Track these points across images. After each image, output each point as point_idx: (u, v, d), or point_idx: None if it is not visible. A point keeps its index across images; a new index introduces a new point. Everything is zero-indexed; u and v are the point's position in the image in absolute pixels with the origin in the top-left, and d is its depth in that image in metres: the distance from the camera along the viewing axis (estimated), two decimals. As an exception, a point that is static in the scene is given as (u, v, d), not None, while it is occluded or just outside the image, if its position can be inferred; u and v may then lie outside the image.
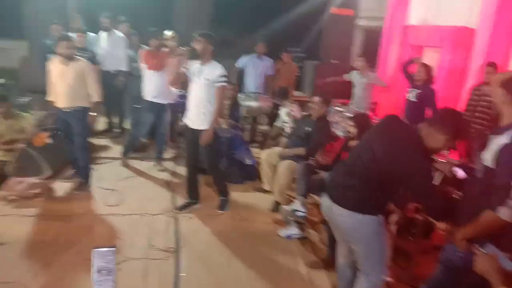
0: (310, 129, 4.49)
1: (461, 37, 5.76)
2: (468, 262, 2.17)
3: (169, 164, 5.39)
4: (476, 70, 5.39)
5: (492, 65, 4.80)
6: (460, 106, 5.33)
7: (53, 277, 2.99)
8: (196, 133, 3.91)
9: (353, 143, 3.66)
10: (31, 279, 2.93)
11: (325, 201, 2.47)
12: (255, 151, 5.60)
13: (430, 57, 6.68)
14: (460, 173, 2.58)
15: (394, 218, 3.23)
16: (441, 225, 3.43)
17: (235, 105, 5.62)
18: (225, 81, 3.81)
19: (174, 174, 5.12)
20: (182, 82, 4.24)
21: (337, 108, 5.83)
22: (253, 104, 6.30)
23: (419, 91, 5.02)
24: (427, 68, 5.07)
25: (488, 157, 2.11)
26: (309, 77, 8.23)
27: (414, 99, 5.07)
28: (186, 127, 4.04)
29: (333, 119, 5.74)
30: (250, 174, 5.09)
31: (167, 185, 4.80)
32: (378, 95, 7.31)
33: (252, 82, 6.53)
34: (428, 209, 2.54)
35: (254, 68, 6.51)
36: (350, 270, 2.64)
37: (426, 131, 2.23)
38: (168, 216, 4.05)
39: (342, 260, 2.69)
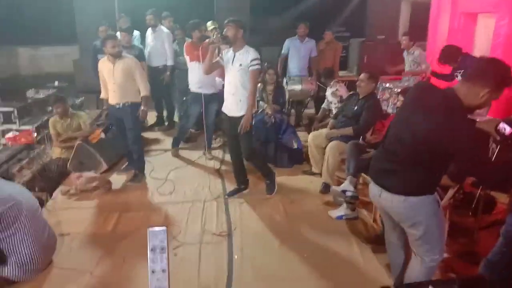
0: (357, 107, 4.38)
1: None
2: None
3: (217, 153, 5.49)
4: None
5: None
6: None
7: (115, 263, 3.16)
8: (234, 120, 3.93)
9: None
10: (94, 266, 3.11)
11: (372, 188, 2.37)
12: (301, 135, 5.56)
13: (485, 25, 6.22)
14: (508, 129, 2.32)
15: (450, 193, 3.08)
16: (502, 198, 3.24)
17: (278, 90, 5.59)
18: (258, 64, 3.77)
19: (222, 162, 5.21)
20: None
21: (386, 85, 5.63)
22: (297, 87, 6.23)
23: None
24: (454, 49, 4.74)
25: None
26: (355, 56, 7.98)
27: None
28: (225, 116, 4.06)
29: (382, 96, 5.56)
30: (297, 158, 5.07)
31: (217, 172, 4.90)
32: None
33: (295, 65, 6.46)
34: (480, 178, 2.36)
35: (297, 50, 6.43)
36: (403, 252, 2.55)
37: (464, 89, 2.03)
38: (219, 202, 4.14)
39: (395, 242, 2.58)
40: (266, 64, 5.88)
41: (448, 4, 6.81)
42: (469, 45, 5.88)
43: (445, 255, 3.04)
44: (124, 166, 4.98)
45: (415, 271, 2.33)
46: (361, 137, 4.40)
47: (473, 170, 2.14)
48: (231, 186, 4.39)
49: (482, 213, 3.39)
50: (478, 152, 2.12)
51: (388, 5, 7.98)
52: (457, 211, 3.47)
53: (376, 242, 3.26)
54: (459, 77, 4.83)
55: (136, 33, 6.47)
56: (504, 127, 2.30)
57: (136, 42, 6.42)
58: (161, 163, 5.14)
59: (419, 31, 6.89)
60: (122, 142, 4.67)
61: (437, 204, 2.22)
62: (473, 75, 2.03)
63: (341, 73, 7.45)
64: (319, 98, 6.32)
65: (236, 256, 3.24)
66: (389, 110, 5.18)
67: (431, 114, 2.03)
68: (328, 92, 5.54)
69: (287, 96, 6.12)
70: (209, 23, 5.63)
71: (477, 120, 2.36)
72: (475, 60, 4.39)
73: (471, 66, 2.04)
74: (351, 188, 3.77)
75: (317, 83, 6.32)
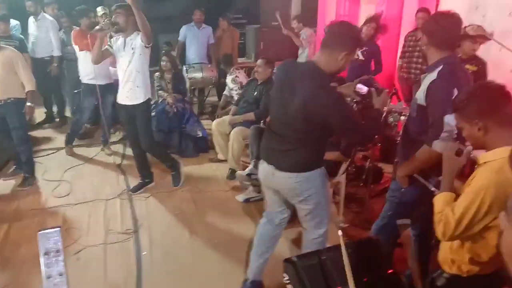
0: (256, 93, 4.50)
1: (394, -14, 5.85)
2: (410, 195, 2.30)
3: (117, 147, 5.23)
4: (410, 17, 5.52)
5: (423, 10, 4.91)
6: (399, 54, 5.50)
7: (10, 277, 2.87)
8: (132, 110, 3.77)
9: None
10: (-16, 283, 2.79)
11: (264, 168, 2.36)
12: (205, 123, 5.54)
13: (367, 10, 6.77)
14: (365, 89, 2.56)
15: (343, 167, 3.33)
16: (387, 168, 3.60)
17: (178, 77, 5.48)
18: (149, 44, 3.61)
19: (124, 156, 4.99)
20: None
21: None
22: (198, 75, 6.18)
23: (365, 48, 5.08)
24: (371, 25, 5.10)
25: (421, 95, 2.20)
26: (252, 43, 8.14)
27: (361, 57, 5.12)
28: (120, 106, 3.87)
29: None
30: (203, 146, 5.06)
31: (118, 168, 4.67)
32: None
33: (194, 52, 6.38)
34: (358, 141, 2.55)
35: (194, 38, 6.35)
36: (275, 241, 2.64)
37: (324, 57, 2.09)
38: (123, 199, 3.96)
39: (271, 218, 2.60)
40: (163, 51, 5.73)
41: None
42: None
43: (342, 224, 3.32)
44: (11, 170, 4.50)
45: (309, 246, 2.44)
46: (263, 121, 4.53)
47: (355, 136, 2.24)
48: (135, 181, 4.23)
49: (371, 183, 3.76)
50: (353, 118, 2.22)
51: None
52: (351, 183, 3.78)
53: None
54: (357, 53, 5.19)
55: (14, 22, 5.80)
56: (361, 87, 2.47)
57: (16, 32, 5.76)
58: (54, 164, 4.74)
59: (309, 16, 7.24)
60: (7, 143, 4.20)
61: (325, 177, 2.34)
62: (330, 41, 2.09)
63: (240, 59, 7.54)
64: (220, 85, 6.34)
65: (145, 252, 3.15)
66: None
67: (300, 90, 2.06)
68: (228, 79, 5.59)
69: (188, 84, 6.04)
70: (98, 9, 5.31)
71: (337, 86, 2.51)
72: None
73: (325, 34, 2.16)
74: (256, 171, 3.87)
75: (218, 70, 6.33)
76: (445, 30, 2.14)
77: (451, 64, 2.12)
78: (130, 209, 3.78)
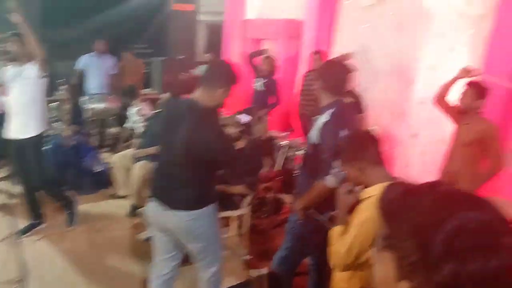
0: (161, 126, 4.44)
1: (293, 29, 6.33)
2: (307, 227, 2.44)
3: (3, 185, 4.71)
4: (307, 58, 6.00)
5: (318, 53, 5.39)
6: (297, 92, 5.90)
7: None
8: (22, 144, 3.47)
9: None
10: None
11: (154, 206, 2.27)
12: (106, 156, 5.28)
13: (269, 48, 7.20)
14: (244, 118, 2.67)
15: (248, 199, 3.42)
16: (287, 199, 3.78)
17: (77, 109, 5.19)
18: (44, 73, 3.42)
19: (11, 195, 4.50)
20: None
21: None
22: (99, 106, 5.92)
23: (265, 80, 5.36)
24: (271, 59, 5.44)
25: (313, 134, 2.40)
26: (157, 74, 8.08)
27: (261, 88, 5.40)
28: (8, 141, 3.54)
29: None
30: (102, 182, 4.78)
31: (4, 208, 4.19)
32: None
33: (95, 82, 6.12)
34: (240, 172, 2.47)
35: (96, 67, 6.11)
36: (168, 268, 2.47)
37: (203, 94, 2.14)
38: (9, 244, 3.55)
39: (159, 273, 2.45)
40: (62, 80, 5.39)
41: (238, 31, 7.61)
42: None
43: (246, 256, 3.36)
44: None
45: (205, 286, 2.40)
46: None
47: (239, 168, 2.30)
48: (23, 223, 3.82)
49: (273, 214, 3.89)
50: (235, 150, 2.27)
51: (186, 26, 8.37)
52: (254, 215, 3.88)
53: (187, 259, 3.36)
54: (256, 85, 5.43)
55: None
56: (242, 117, 2.57)
57: None
58: None
59: (215, 52, 7.45)
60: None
61: (215, 214, 2.32)
62: (208, 79, 2.17)
63: (145, 90, 7.40)
64: (123, 117, 6.12)
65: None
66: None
67: (182, 127, 2.08)
68: (133, 111, 5.43)
69: (87, 115, 5.73)
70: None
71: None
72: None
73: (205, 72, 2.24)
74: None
75: (120, 101, 6.12)
76: (336, 76, 2.41)
77: (340, 107, 2.36)
78: (17, 255, 3.39)
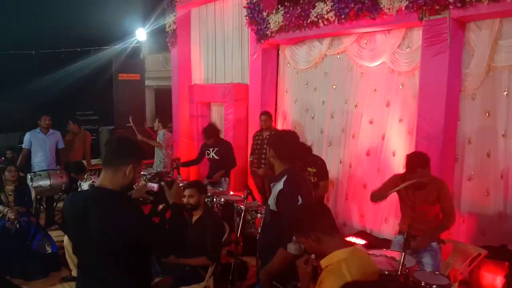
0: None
1: (239, 92, 6.61)
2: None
3: None
4: (254, 119, 6.25)
5: (265, 113, 5.64)
6: (248, 152, 6.06)
7: None
8: None
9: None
10: None
11: None
12: (56, 234, 5.02)
13: (218, 111, 7.43)
14: (156, 186, 2.21)
15: (211, 270, 3.37)
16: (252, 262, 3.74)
17: (22, 188, 4.96)
18: None
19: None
20: None
21: (141, 172, 5.80)
22: (45, 182, 5.68)
23: (217, 148, 5.45)
24: (210, 131, 5.50)
25: (272, 202, 2.50)
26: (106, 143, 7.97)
27: (216, 157, 5.46)
28: None
29: (138, 183, 5.68)
30: (53, 264, 4.50)
31: None
32: (180, 153, 7.67)
33: (41, 159, 5.91)
34: (169, 249, 2.24)
35: (42, 144, 5.93)
36: None
37: (108, 176, 1.94)
38: None
39: None
40: (3, 157, 5.17)
41: (186, 95, 7.82)
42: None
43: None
44: None
45: None
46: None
47: (167, 245, 2.07)
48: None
49: (238, 280, 3.84)
50: (156, 226, 2.02)
51: (133, 93, 8.46)
52: (219, 284, 3.80)
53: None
54: (210, 154, 5.46)
55: None
56: (152, 186, 2.20)
57: None
58: None
59: (165, 115, 7.54)
60: None
61: None
62: (111, 159, 1.96)
63: (94, 161, 7.25)
64: (72, 191, 5.91)
65: None
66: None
67: (93, 220, 1.86)
68: (85, 186, 5.28)
69: (33, 195, 5.47)
70: None
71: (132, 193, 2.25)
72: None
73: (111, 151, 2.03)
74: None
75: (68, 175, 5.94)
76: (287, 145, 2.56)
77: (293, 174, 2.50)
78: None
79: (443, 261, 3.60)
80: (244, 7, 6.20)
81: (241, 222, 3.64)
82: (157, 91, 10.43)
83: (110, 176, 1.94)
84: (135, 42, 9.56)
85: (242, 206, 3.72)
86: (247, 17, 6.16)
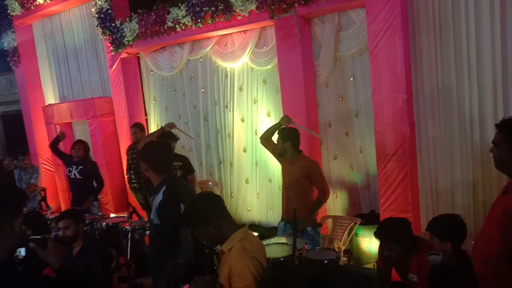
0: None
1: (102, 107, 6.18)
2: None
3: None
4: (124, 132, 5.94)
5: (135, 125, 5.38)
6: (124, 168, 5.74)
7: None
8: None
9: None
10: None
11: None
12: None
13: (81, 130, 6.83)
14: (21, 250, 1.70)
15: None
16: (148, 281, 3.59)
17: None
18: None
19: None
20: None
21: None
22: None
23: (81, 166, 4.98)
24: (82, 143, 5.09)
25: (154, 215, 2.44)
26: None
27: (78, 176, 4.98)
28: None
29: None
30: None
31: None
32: (46, 183, 6.90)
33: None
34: None
35: None
36: None
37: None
38: None
39: None
40: None
41: (40, 118, 7.04)
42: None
43: None
44: None
45: None
46: None
47: None
48: None
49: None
50: None
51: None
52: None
53: None
54: (72, 173, 5.01)
55: None
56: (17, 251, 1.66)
57: None
58: None
59: (17, 141, 6.69)
60: None
61: None
62: None
63: None
64: None
65: None
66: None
67: None
68: None
69: None
70: None
71: None
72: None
73: None
74: None
75: None
76: (158, 157, 2.53)
77: (172, 183, 2.47)
78: None
79: (326, 236, 3.95)
80: (94, 16, 5.83)
81: (129, 243, 3.43)
82: (4, 117, 9.18)
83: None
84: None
85: (127, 227, 3.51)
86: (98, 27, 5.80)
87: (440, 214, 2.62)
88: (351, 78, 4.30)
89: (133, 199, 5.66)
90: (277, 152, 3.59)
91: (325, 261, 2.78)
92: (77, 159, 4.97)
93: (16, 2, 6.83)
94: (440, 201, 3.76)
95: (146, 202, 5.31)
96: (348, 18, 4.19)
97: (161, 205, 2.37)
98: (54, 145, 5.34)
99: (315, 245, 3.33)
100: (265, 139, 3.71)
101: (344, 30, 4.24)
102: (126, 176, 5.66)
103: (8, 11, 7.01)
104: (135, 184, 5.38)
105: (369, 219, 4.02)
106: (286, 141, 3.48)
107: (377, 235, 2.42)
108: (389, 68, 3.56)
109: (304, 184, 3.48)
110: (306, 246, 3.06)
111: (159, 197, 2.41)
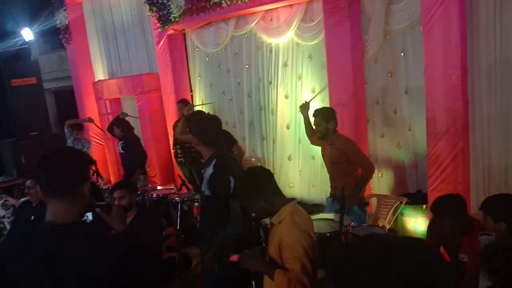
0: (34, 217, 3.99)
1: (149, 83, 6.36)
2: (224, 272, 2.50)
3: None
4: (171, 108, 6.09)
5: (181, 101, 5.50)
6: (170, 143, 5.92)
7: None
8: None
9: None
10: None
11: None
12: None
13: (129, 105, 7.07)
14: (89, 215, 1.66)
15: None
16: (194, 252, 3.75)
17: None
18: None
19: None
20: None
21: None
22: None
23: (122, 142, 5.28)
24: (119, 126, 5.34)
25: (205, 188, 2.52)
26: (10, 158, 7.15)
27: (121, 150, 5.31)
28: None
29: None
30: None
31: None
32: (95, 156, 7.23)
33: None
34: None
35: None
36: None
37: (58, 207, 1.46)
38: None
39: None
40: None
41: (91, 94, 7.33)
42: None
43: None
44: None
45: None
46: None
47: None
48: None
49: (184, 272, 3.80)
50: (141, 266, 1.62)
51: (31, 98, 7.67)
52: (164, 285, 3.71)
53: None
54: (119, 148, 5.27)
55: None
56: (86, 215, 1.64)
57: None
58: None
59: (70, 117, 7.02)
60: None
61: None
62: (56, 185, 1.48)
63: (-1, 179, 6.55)
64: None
65: None
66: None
67: (64, 266, 1.39)
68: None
69: None
70: None
71: None
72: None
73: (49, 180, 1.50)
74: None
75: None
76: (207, 131, 2.59)
77: (221, 157, 2.54)
78: None
79: (371, 214, 3.93)
80: (141, -7, 5.94)
81: (178, 214, 3.58)
82: (56, 93, 9.60)
83: (69, 205, 1.48)
84: (20, 43, 8.64)
85: (177, 198, 3.66)
86: (146, 4, 5.90)
87: (495, 194, 2.54)
88: (402, 53, 4.16)
89: (179, 173, 5.86)
90: (318, 135, 3.47)
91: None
92: (120, 134, 5.26)
93: (68, -19, 7.06)
94: (492, 182, 3.63)
95: (192, 176, 5.49)
96: (401, -10, 4.03)
97: (212, 178, 2.45)
98: (112, 126, 5.61)
99: (362, 223, 3.33)
100: (311, 134, 3.65)
101: (396, 3, 4.08)
102: (172, 151, 5.85)
103: (60, -11, 7.26)
104: (181, 159, 5.55)
105: (416, 198, 3.95)
106: (330, 120, 3.36)
107: (433, 209, 2.40)
108: (443, 42, 3.41)
109: (344, 165, 3.39)
110: (352, 223, 3.07)
111: (209, 170, 2.48)
